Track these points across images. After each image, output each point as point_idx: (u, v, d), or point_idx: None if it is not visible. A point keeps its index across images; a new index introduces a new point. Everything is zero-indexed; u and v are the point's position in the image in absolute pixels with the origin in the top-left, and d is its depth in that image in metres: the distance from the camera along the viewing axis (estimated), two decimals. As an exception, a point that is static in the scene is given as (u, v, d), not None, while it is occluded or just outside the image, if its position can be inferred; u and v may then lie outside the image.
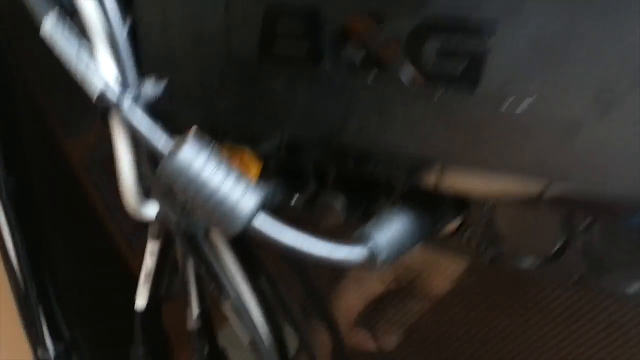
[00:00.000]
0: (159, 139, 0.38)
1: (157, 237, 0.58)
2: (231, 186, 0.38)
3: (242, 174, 0.39)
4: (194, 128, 0.40)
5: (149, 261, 0.59)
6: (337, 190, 0.46)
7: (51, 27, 0.38)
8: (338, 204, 0.43)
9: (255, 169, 0.47)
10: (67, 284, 0.73)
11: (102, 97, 0.38)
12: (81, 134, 0.64)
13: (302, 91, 0.42)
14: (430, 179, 0.38)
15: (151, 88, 0.39)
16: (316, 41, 0.40)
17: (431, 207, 0.42)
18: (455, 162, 0.37)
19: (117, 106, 0.38)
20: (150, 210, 0.45)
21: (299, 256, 0.39)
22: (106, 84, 0.38)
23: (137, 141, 0.39)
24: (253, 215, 0.38)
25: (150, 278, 0.60)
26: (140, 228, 0.57)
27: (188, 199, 0.38)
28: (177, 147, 0.38)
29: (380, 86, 0.39)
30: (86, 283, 0.73)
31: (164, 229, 0.58)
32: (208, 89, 0.46)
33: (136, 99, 0.39)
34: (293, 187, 0.49)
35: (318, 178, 0.47)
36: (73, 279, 0.73)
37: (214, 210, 0.37)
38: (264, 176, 0.47)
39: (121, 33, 0.38)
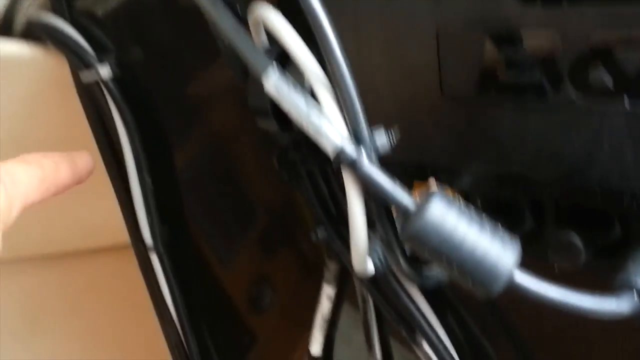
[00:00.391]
0: (402, 194, 0.35)
1: (333, 282, 0.55)
2: (489, 242, 0.34)
3: (494, 224, 0.35)
4: (432, 180, 0.37)
5: (325, 305, 0.56)
6: (563, 227, 0.42)
7: (275, 81, 0.36)
8: (577, 241, 0.40)
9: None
10: (225, 333, 0.70)
11: (340, 153, 0.35)
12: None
13: (532, 124, 0.39)
14: None
15: (384, 140, 0.36)
16: (552, 68, 0.37)
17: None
18: None
19: (355, 162, 0.35)
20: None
21: (562, 310, 0.35)
22: (342, 139, 0.35)
23: (372, 197, 0.36)
24: (513, 272, 0.35)
25: (326, 323, 0.57)
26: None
27: (441, 258, 0.35)
28: (425, 203, 0.35)
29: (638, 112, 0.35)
30: (245, 332, 0.71)
31: (339, 274, 0.55)
32: (419, 127, 0.43)
33: (372, 153, 0.36)
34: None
35: (535, 213, 0.43)
36: (232, 328, 0.71)
37: (472, 269, 0.34)
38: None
39: (352, 85, 0.35)
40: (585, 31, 0.35)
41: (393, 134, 0.36)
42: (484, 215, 0.35)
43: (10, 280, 0.99)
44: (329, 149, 0.35)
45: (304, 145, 0.49)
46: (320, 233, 0.50)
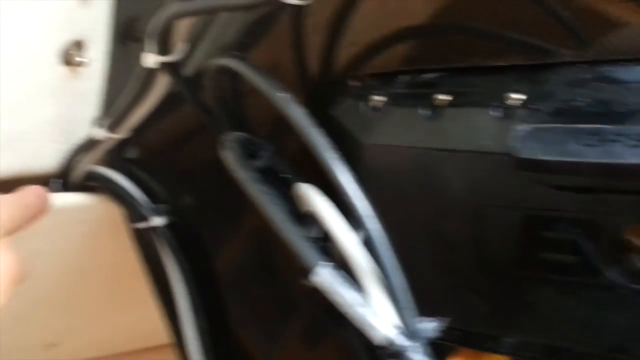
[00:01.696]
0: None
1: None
2: None
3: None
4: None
5: None
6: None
7: (323, 276, 0.38)
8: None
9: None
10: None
11: (388, 344, 0.37)
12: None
13: (572, 300, 0.40)
14: None
15: (430, 329, 0.38)
16: (590, 249, 0.39)
17: None
18: None
19: (403, 354, 0.37)
20: None
21: None
22: (390, 330, 0.37)
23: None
24: None
25: None
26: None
27: None
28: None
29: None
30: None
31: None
32: (457, 296, 0.45)
33: (420, 343, 0.38)
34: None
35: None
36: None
37: None
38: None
39: (400, 279, 0.37)
40: (619, 221, 0.36)
41: (440, 323, 0.38)
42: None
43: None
44: (374, 338, 0.37)
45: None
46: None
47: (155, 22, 0.43)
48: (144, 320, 0.92)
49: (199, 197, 0.64)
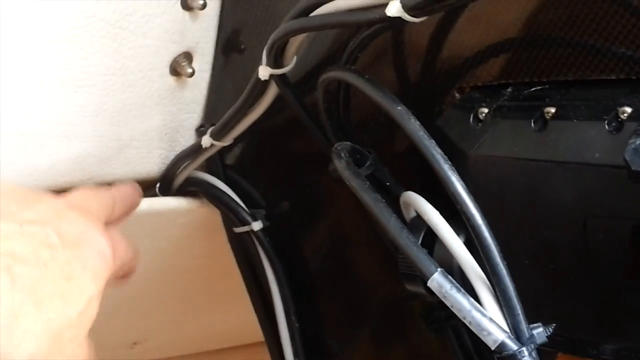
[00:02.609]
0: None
1: None
2: None
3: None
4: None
5: None
6: None
7: (442, 282, 0.40)
8: None
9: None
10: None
11: (501, 346, 0.38)
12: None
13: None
14: None
15: (540, 335, 0.39)
16: None
17: None
18: None
19: (515, 356, 0.38)
20: None
21: None
22: (502, 335, 0.39)
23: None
24: None
25: None
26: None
27: None
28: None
29: None
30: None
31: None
32: (560, 303, 0.46)
33: (530, 348, 0.39)
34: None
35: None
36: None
37: None
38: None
39: (511, 285, 0.39)
40: None
41: (549, 328, 0.39)
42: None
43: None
44: (490, 342, 0.39)
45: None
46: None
47: (274, 37, 0.45)
48: (230, 319, 0.96)
49: (293, 203, 0.67)
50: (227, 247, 0.72)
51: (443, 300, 0.40)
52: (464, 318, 0.40)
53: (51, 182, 0.60)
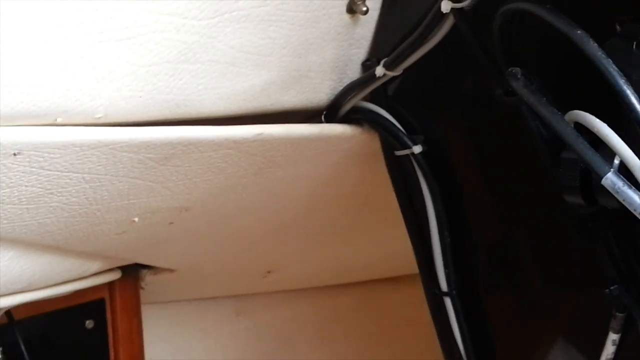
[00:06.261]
0: None
1: (618, 330, 0.64)
2: None
3: None
4: None
5: (610, 350, 0.66)
6: None
7: (612, 180, 0.46)
8: None
9: None
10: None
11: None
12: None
13: None
14: None
15: None
16: None
17: None
18: None
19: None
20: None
21: None
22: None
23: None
24: None
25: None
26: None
27: None
28: None
29: None
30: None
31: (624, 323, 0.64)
32: None
33: None
34: None
35: None
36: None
37: None
38: None
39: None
40: None
41: None
42: None
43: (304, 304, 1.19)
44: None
45: (600, 217, 0.60)
46: (614, 290, 0.60)
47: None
48: (372, 251, 1.04)
49: (450, 132, 0.74)
50: (381, 175, 0.80)
51: (615, 195, 0.47)
52: (635, 210, 0.46)
53: (240, 105, 0.69)
